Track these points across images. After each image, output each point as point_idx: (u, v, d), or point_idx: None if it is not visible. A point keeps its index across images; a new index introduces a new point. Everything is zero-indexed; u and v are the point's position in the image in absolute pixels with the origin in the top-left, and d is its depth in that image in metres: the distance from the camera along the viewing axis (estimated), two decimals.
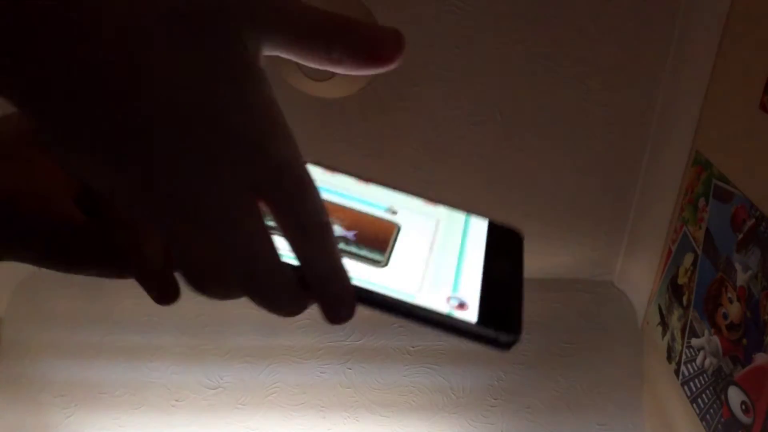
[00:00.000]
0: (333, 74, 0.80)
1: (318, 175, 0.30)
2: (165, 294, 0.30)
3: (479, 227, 0.30)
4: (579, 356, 1.10)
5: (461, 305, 0.26)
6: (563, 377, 1.10)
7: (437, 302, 0.26)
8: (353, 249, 0.27)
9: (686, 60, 0.90)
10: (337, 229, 0.28)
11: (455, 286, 0.27)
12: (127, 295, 1.09)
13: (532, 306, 1.11)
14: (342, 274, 0.25)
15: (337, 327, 1.11)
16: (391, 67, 0.25)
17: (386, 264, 0.27)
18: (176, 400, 1.11)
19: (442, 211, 0.30)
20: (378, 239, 0.28)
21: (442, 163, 1.02)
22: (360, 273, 0.26)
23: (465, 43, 0.91)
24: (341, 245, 0.27)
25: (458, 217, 0.30)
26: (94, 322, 1.10)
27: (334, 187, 0.30)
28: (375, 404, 1.11)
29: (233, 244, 0.22)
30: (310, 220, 0.23)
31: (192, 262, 0.23)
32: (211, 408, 1.11)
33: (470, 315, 0.26)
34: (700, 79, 0.86)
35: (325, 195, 0.28)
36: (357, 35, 0.24)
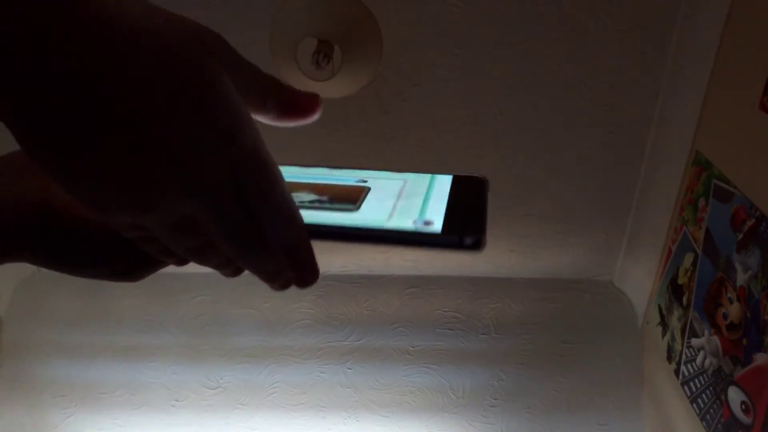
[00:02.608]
0: (333, 74, 0.80)
1: (293, 169, 0.34)
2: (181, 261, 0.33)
3: (445, 179, 0.33)
4: (579, 356, 1.10)
5: (427, 223, 0.29)
6: (563, 377, 1.10)
7: (404, 224, 0.29)
8: (327, 206, 0.30)
9: (686, 60, 0.90)
10: (311, 196, 0.31)
11: (422, 213, 0.30)
12: (127, 295, 1.09)
13: (532, 306, 1.11)
14: (304, 240, 0.29)
15: (337, 327, 1.11)
16: (311, 119, 0.31)
17: (358, 209, 0.30)
18: (176, 400, 1.11)
19: (409, 175, 0.34)
20: (350, 197, 0.31)
21: (442, 163, 1.02)
22: (334, 219, 0.29)
23: (465, 43, 0.91)
24: (316, 205, 0.31)
25: (424, 176, 0.34)
26: (94, 322, 1.10)
27: (307, 173, 0.34)
28: (375, 404, 1.11)
29: (225, 215, 0.27)
30: (276, 198, 0.27)
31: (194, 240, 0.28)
32: (211, 408, 1.11)
33: (435, 228, 0.29)
34: (700, 79, 0.86)
35: (299, 179, 0.33)
36: (287, 92, 0.30)
